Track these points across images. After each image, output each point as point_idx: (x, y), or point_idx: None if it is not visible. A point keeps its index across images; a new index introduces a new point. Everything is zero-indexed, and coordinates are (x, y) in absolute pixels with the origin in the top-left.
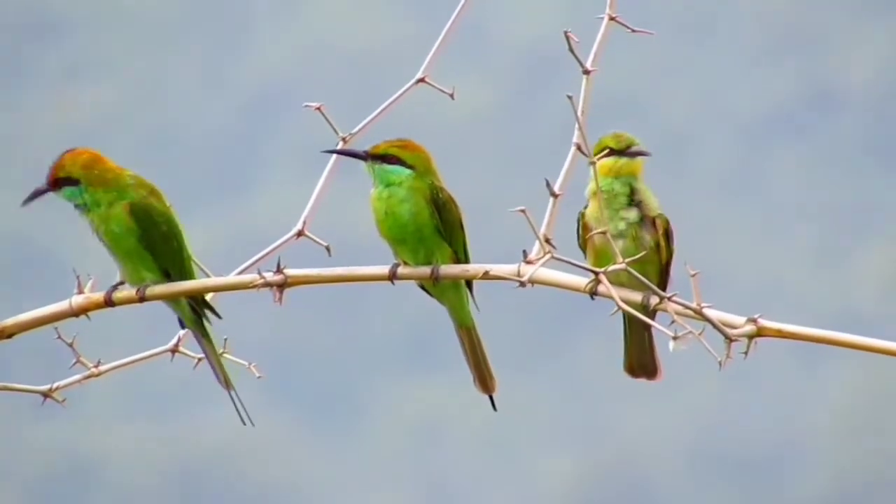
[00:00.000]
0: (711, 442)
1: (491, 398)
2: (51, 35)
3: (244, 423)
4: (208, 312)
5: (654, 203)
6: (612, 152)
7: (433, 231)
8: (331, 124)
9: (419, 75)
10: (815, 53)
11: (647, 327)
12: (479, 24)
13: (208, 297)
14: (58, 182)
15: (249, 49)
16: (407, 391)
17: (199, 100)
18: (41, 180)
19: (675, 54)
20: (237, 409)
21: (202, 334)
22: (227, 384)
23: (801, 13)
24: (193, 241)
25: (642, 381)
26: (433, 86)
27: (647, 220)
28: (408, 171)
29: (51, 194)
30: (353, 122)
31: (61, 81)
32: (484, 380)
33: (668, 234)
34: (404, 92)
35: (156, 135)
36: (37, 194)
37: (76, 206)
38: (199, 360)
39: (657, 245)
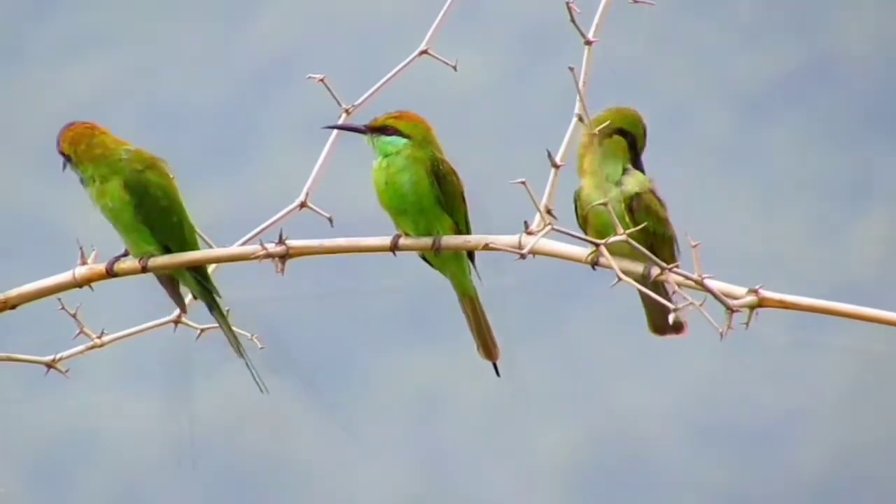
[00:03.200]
0: (712, 412)
1: (494, 365)
2: (49, 9)
3: (262, 391)
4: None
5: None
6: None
7: (433, 202)
8: (334, 96)
9: (422, 47)
10: (813, 24)
11: (663, 286)
12: None
13: (209, 270)
14: (62, 156)
15: (251, 19)
16: (408, 361)
17: (200, 72)
18: (45, 155)
19: (674, 25)
20: (254, 377)
21: (213, 305)
22: (239, 352)
23: None
24: (197, 214)
25: (671, 337)
26: (436, 57)
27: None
28: (404, 141)
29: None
30: (357, 93)
31: (61, 56)
32: (487, 347)
33: (630, 210)
34: (407, 64)
35: (158, 108)
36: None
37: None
38: (202, 330)
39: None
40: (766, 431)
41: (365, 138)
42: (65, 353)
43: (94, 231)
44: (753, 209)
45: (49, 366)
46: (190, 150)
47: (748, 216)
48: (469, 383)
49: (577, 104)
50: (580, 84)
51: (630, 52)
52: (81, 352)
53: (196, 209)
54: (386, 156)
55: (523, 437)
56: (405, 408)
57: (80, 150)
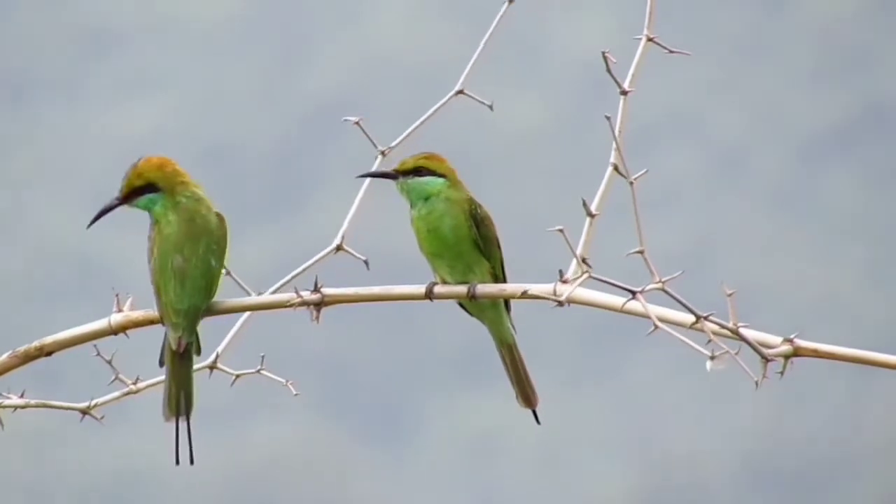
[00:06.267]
0: (762, 457)
1: (534, 412)
2: (108, 49)
3: (178, 463)
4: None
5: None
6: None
7: (472, 245)
8: (369, 138)
9: (458, 87)
10: (869, 71)
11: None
12: (526, 41)
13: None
14: (134, 192)
15: (306, 64)
16: (460, 406)
17: (255, 115)
18: (105, 197)
19: (730, 73)
20: (177, 444)
21: (188, 359)
22: (171, 414)
23: (856, 31)
24: (248, 257)
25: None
26: (472, 97)
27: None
28: (441, 181)
29: (122, 208)
30: (399, 136)
31: (114, 98)
32: (526, 395)
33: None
34: (443, 104)
35: (212, 150)
36: (105, 212)
37: (151, 213)
38: (238, 376)
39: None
40: (817, 476)
41: (396, 185)
42: (100, 400)
43: (136, 273)
44: (808, 255)
45: (84, 412)
46: (244, 193)
47: (803, 262)
48: (521, 427)
49: (613, 153)
50: (616, 133)
51: (686, 98)
52: (117, 398)
53: (248, 253)
54: (426, 199)
55: (575, 482)
56: (459, 450)
57: (167, 172)
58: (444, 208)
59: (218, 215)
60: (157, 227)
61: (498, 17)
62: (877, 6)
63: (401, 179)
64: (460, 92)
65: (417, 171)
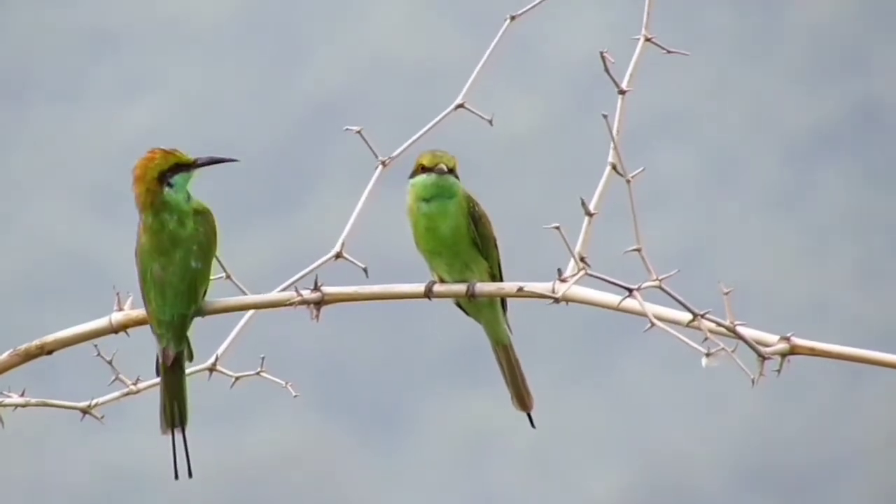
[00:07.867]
0: (757, 457)
1: (529, 415)
2: (108, 49)
3: (176, 477)
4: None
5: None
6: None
7: (469, 244)
8: (371, 148)
9: (458, 101)
10: (862, 72)
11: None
12: (524, 41)
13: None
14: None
15: (304, 65)
16: (459, 405)
17: (254, 115)
18: (104, 197)
19: (725, 73)
20: (174, 456)
21: (178, 369)
22: (167, 426)
23: (849, 32)
24: (246, 258)
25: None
26: (472, 111)
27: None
28: (461, 185)
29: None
30: (401, 142)
31: (117, 96)
32: (521, 397)
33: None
34: (443, 117)
35: (211, 150)
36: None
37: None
38: (237, 378)
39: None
40: (812, 476)
41: (438, 177)
42: (100, 399)
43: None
44: (804, 254)
45: (84, 411)
46: (241, 194)
47: (796, 262)
48: (515, 428)
49: (611, 152)
50: (614, 132)
51: (680, 98)
52: (117, 398)
53: (246, 254)
54: (449, 198)
55: (569, 482)
56: (453, 451)
57: (134, 190)
58: (451, 210)
59: (200, 213)
60: (140, 228)
61: (500, 33)
62: (870, 6)
63: (445, 174)
64: (461, 106)
65: (452, 172)
